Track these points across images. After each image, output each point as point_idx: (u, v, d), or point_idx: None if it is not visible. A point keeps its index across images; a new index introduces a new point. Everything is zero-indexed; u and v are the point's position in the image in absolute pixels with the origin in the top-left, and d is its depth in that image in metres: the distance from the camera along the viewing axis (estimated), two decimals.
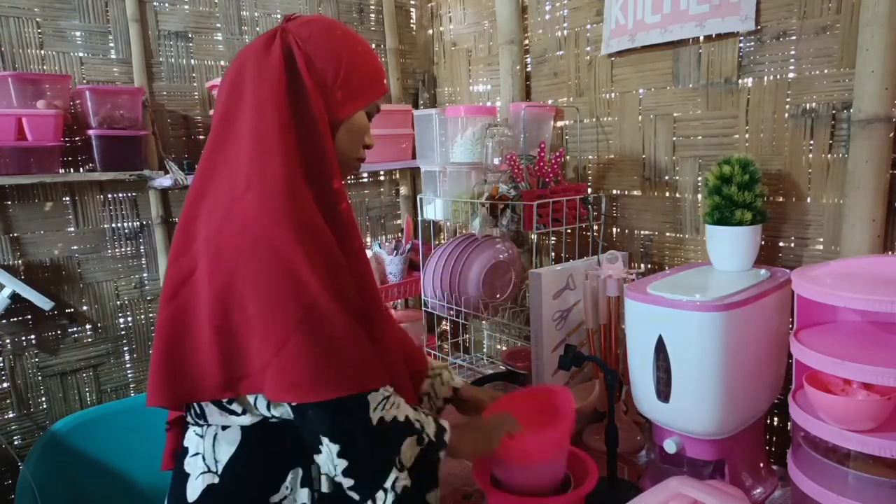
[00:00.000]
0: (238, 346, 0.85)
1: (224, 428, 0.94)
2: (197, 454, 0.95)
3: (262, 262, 0.84)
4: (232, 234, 0.85)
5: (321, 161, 0.92)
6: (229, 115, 0.92)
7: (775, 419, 1.41)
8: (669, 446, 1.18)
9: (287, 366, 0.83)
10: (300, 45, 0.93)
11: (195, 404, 0.93)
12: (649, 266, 1.64)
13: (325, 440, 0.85)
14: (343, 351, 0.85)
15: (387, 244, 2.02)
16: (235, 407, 0.91)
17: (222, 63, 1.92)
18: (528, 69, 1.92)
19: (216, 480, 0.93)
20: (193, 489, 0.94)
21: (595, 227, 1.66)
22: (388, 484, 0.85)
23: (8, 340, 1.65)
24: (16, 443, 1.69)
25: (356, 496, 0.87)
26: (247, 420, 0.92)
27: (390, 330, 1.08)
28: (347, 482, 0.86)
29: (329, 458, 0.86)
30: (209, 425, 0.95)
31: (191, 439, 0.97)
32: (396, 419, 0.89)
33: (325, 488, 0.94)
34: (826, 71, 1.26)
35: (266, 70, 0.91)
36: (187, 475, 0.95)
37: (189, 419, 0.97)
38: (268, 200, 0.86)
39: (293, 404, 0.86)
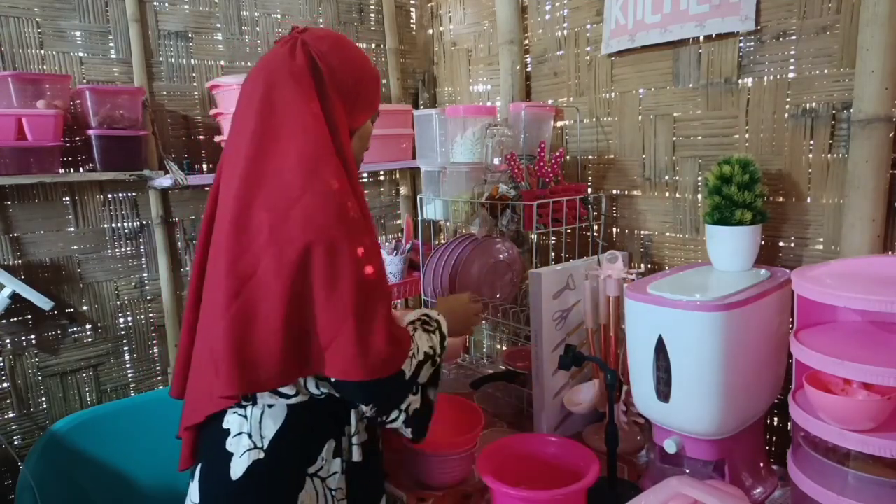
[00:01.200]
0: (305, 335, 0.94)
1: (270, 406, 1.01)
2: (241, 434, 1.01)
3: (328, 256, 0.92)
4: (297, 233, 0.92)
5: (349, 164, 1.01)
6: (267, 124, 0.99)
7: (775, 419, 1.41)
8: (669, 446, 1.18)
9: (342, 350, 0.93)
10: (322, 57, 1.02)
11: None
12: (649, 266, 1.64)
13: (361, 405, 1.01)
14: (386, 337, 0.95)
15: (387, 244, 2.02)
16: (287, 390, 0.99)
17: (222, 63, 1.92)
18: (528, 69, 1.92)
19: (262, 456, 1.00)
20: (238, 467, 1.00)
21: (595, 227, 1.66)
22: (402, 406, 1.02)
23: (8, 340, 1.65)
24: (16, 443, 1.69)
25: (377, 414, 1.02)
26: (295, 399, 1.01)
27: None
28: (371, 412, 1.01)
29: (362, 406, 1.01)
30: (254, 405, 1.01)
31: (231, 422, 1.03)
32: (420, 362, 1.03)
33: (355, 457, 1.07)
34: (826, 71, 1.26)
35: (300, 79, 1.00)
36: (230, 455, 1.01)
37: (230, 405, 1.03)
38: (328, 200, 0.94)
39: (335, 380, 0.97)
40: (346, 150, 1.01)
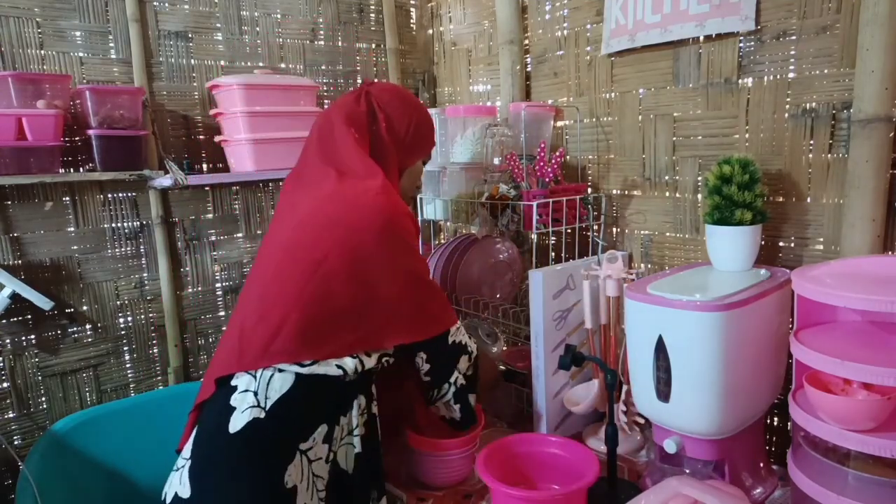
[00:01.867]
0: (368, 311, 1.12)
1: (280, 371, 1.07)
2: (247, 391, 1.07)
3: (391, 245, 1.14)
4: (364, 226, 1.13)
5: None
6: (327, 140, 1.25)
7: (775, 419, 1.41)
8: (669, 446, 1.18)
9: (407, 314, 1.16)
10: (382, 107, 1.27)
11: None
12: (649, 266, 1.64)
13: (420, 353, 1.22)
14: (438, 303, 1.23)
15: None
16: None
17: (222, 63, 1.92)
18: (528, 69, 1.92)
19: (262, 415, 1.05)
20: (237, 421, 1.04)
21: (595, 227, 1.66)
22: (451, 379, 1.25)
23: (8, 340, 1.65)
24: (16, 443, 1.69)
25: (431, 385, 1.25)
26: (305, 370, 1.07)
27: None
28: (427, 378, 1.24)
29: (421, 362, 1.23)
30: (265, 367, 1.07)
31: (241, 379, 1.08)
32: (461, 342, 1.26)
33: (357, 449, 1.14)
34: (826, 71, 1.26)
35: (357, 116, 1.25)
36: (232, 409, 1.06)
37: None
38: (388, 203, 1.16)
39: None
40: (394, 185, 1.26)
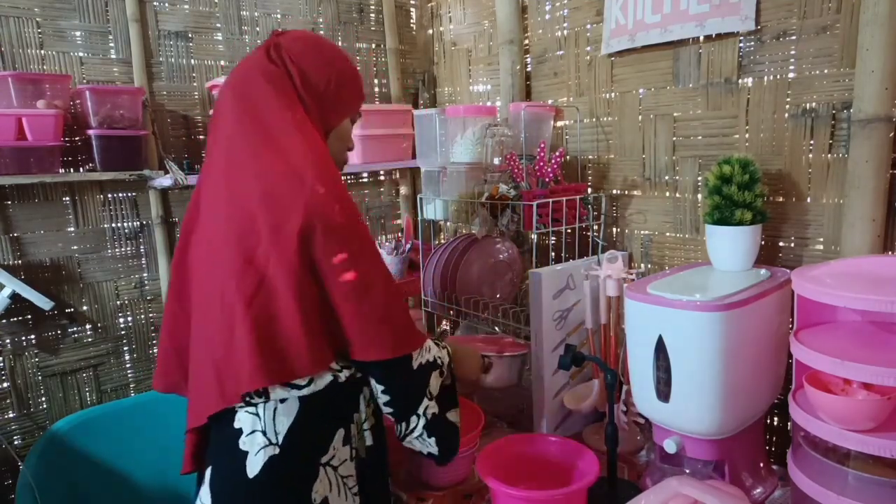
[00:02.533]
0: (328, 319, 0.98)
1: (283, 401, 1.01)
2: (254, 431, 1.01)
3: (333, 248, 0.96)
4: (294, 224, 0.95)
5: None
6: (254, 123, 1.02)
7: (775, 419, 1.41)
8: (669, 446, 1.18)
9: (356, 330, 0.98)
10: (294, 59, 1.05)
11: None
12: (649, 266, 1.64)
13: (374, 384, 1.05)
14: (396, 319, 1.02)
15: (387, 244, 2.02)
16: (300, 381, 1.00)
17: (222, 63, 1.92)
18: (528, 69, 1.92)
19: (277, 451, 1.00)
20: (254, 464, 0.99)
21: (595, 227, 1.66)
22: (420, 410, 1.06)
23: (8, 340, 1.65)
24: (16, 443, 1.69)
25: (396, 419, 1.07)
26: (307, 390, 1.01)
27: None
28: (388, 410, 1.07)
29: (377, 391, 1.06)
30: (267, 402, 1.01)
31: (243, 420, 1.02)
32: (428, 360, 1.07)
33: (368, 441, 1.10)
34: (826, 71, 1.26)
35: (276, 80, 1.03)
36: (245, 453, 1.00)
37: (240, 404, 1.02)
38: (334, 189, 0.98)
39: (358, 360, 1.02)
40: (324, 149, 1.05)
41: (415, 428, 1.07)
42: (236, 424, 1.02)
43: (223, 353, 0.99)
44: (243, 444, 1.01)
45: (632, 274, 1.43)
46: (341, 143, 1.17)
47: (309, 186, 0.96)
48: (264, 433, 1.00)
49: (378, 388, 1.05)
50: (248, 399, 1.01)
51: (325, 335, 0.98)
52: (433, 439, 1.08)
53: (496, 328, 1.67)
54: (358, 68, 1.15)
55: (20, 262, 1.66)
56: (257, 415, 1.01)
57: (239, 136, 1.02)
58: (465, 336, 1.59)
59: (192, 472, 1.11)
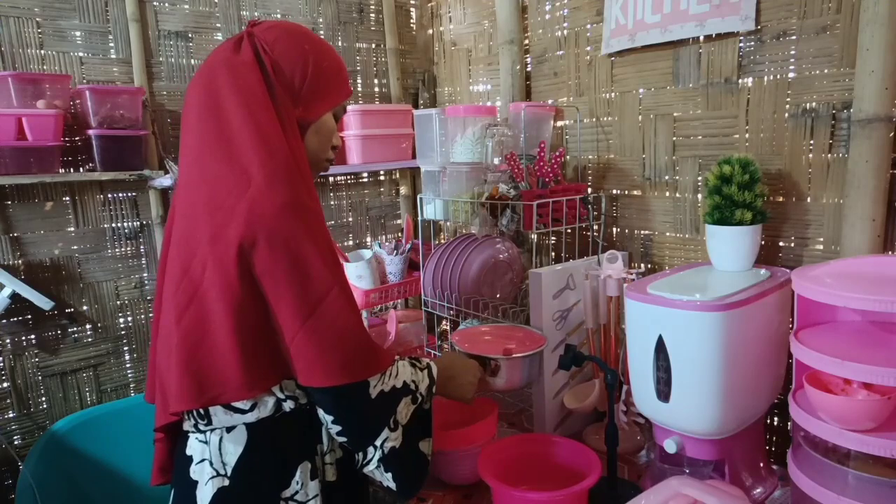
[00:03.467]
0: (267, 339, 0.89)
1: (229, 430, 0.95)
2: (203, 460, 0.96)
3: (276, 258, 0.87)
4: (234, 230, 0.87)
5: (299, 164, 0.94)
6: (211, 121, 0.93)
7: (775, 419, 1.41)
8: (669, 446, 1.18)
9: (300, 352, 0.88)
10: (266, 49, 0.96)
11: (196, 410, 0.94)
12: (649, 266, 1.64)
13: (322, 413, 0.95)
14: (348, 340, 0.91)
15: (387, 244, 2.02)
16: (242, 405, 0.93)
17: None
18: (528, 69, 1.92)
19: (226, 483, 0.94)
20: (204, 496, 0.95)
21: (595, 227, 1.66)
22: (377, 443, 0.95)
23: (8, 340, 1.65)
24: (16, 443, 1.69)
25: (351, 448, 0.98)
26: (252, 417, 0.94)
27: None
28: (340, 439, 0.97)
29: (326, 422, 0.96)
30: (212, 430, 0.95)
31: (194, 447, 0.98)
32: (395, 387, 0.98)
33: (330, 477, 1.00)
34: (826, 71, 1.26)
35: (243, 74, 0.94)
36: (195, 483, 0.96)
37: (188, 427, 0.98)
38: (286, 193, 0.88)
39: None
40: (297, 150, 0.95)
41: (370, 460, 0.96)
42: (188, 451, 0.98)
43: (164, 366, 0.94)
44: (193, 472, 0.96)
45: (632, 274, 1.43)
46: (322, 139, 1.06)
47: (254, 191, 0.87)
48: (211, 463, 0.95)
49: (327, 417, 0.94)
50: (194, 425, 0.96)
51: (265, 356, 0.89)
52: (390, 474, 0.97)
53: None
54: (341, 58, 1.06)
55: (20, 262, 1.66)
56: (206, 442, 0.96)
57: (197, 133, 0.94)
58: (469, 329, 1.52)
59: (160, 484, 1.08)
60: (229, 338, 0.87)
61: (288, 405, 0.96)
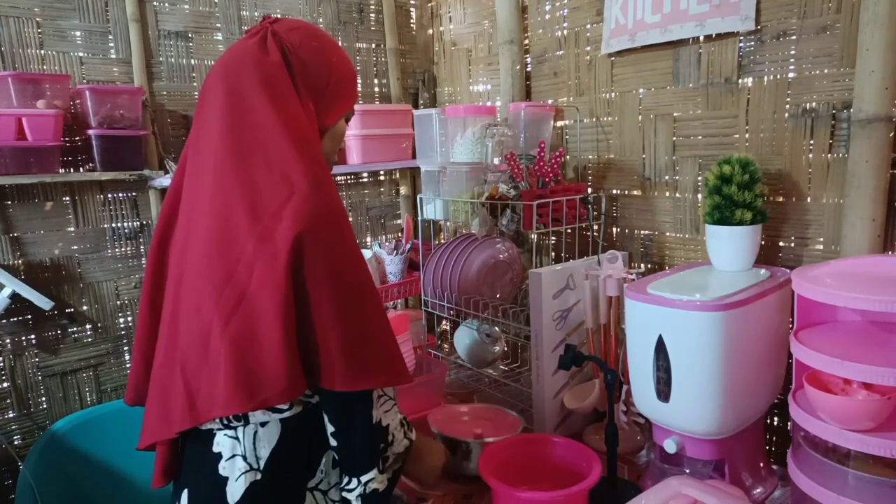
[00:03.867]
0: (307, 343, 0.89)
1: (263, 424, 0.96)
2: (234, 456, 0.95)
3: (323, 260, 0.87)
4: (286, 233, 0.86)
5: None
6: (241, 121, 0.93)
7: (775, 419, 1.41)
8: (669, 446, 1.18)
9: (329, 353, 0.88)
10: (292, 51, 0.95)
11: None
12: (649, 266, 1.64)
13: (327, 421, 0.95)
14: (379, 347, 0.92)
15: (387, 244, 2.02)
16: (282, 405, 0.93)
17: None
18: (528, 69, 1.92)
19: (259, 477, 0.95)
20: (235, 490, 0.94)
21: (595, 227, 1.66)
22: (363, 479, 0.95)
23: (8, 340, 1.65)
24: (16, 443, 1.69)
25: (341, 469, 0.98)
26: (289, 413, 0.95)
27: None
28: (338, 456, 0.97)
29: (329, 436, 0.95)
30: (246, 425, 0.95)
31: (223, 444, 0.97)
32: (386, 427, 0.96)
33: None
34: (826, 71, 1.26)
35: (275, 76, 0.93)
36: (225, 479, 0.95)
37: (213, 426, 0.97)
38: (326, 197, 0.90)
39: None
40: (317, 152, 0.96)
41: (351, 489, 0.96)
42: (215, 448, 0.97)
43: (195, 366, 0.91)
44: (223, 469, 0.95)
45: (632, 274, 1.43)
46: (334, 143, 1.09)
47: (300, 195, 0.87)
48: (245, 458, 0.95)
49: (330, 428, 0.95)
50: (225, 422, 0.95)
51: (301, 360, 0.89)
52: None
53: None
54: (353, 63, 1.08)
55: (20, 262, 1.66)
56: (237, 438, 0.96)
57: (226, 134, 0.92)
58: (448, 408, 1.48)
59: (163, 486, 1.07)
60: (279, 340, 0.86)
61: (315, 399, 0.98)
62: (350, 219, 0.98)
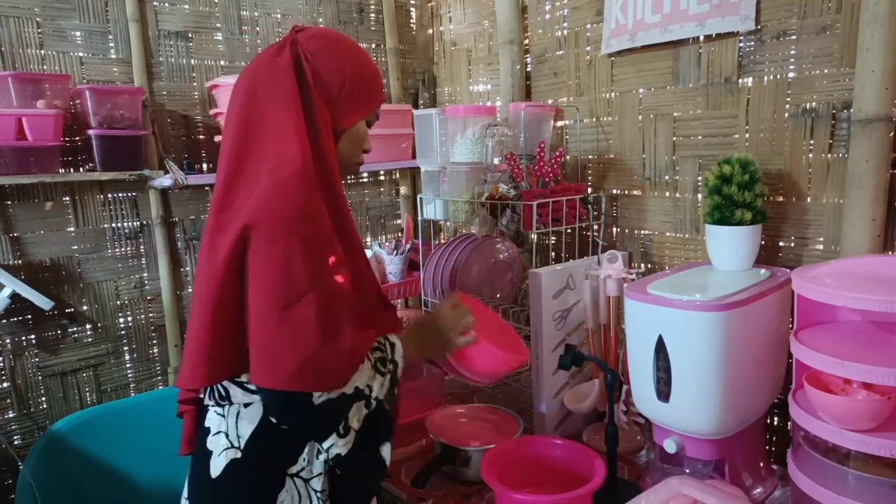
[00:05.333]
0: (239, 333, 0.93)
1: (246, 406, 1.01)
2: (219, 432, 1.02)
3: (267, 248, 0.90)
4: (239, 220, 0.91)
5: (330, 170, 0.99)
6: (247, 122, 0.99)
7: (775, 419, 1.41)
8: (669, 446, 1.18)
9: (258, 346, 0.90)
10: (308, 58, 1.00)
11: (219, 387, 1.00)
12: (649, 266, 1.64)
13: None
14: (305, 350, 0.89)
15: (387, 244, 2.02)
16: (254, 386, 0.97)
17: (222, 63, 1.92)
18: (528, 69, 1.92)
19: (238, 455, 1.00)
20: (217, 465, 1.01)
21: (595, 227, 1.66)
22: (324, 445, 0.96)
23: (8, 340, 1.65)
24: (16, 443, 1.69)
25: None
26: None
27: (387, 322, 1.14)
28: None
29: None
30: (231, 404, 1.01)
31: (212, 420, 1.04)
32: (344, 394, 0.95)
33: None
34: (826, 71, 1.26)
35: (279, 79, 0.98)
36: (210, 453, 1.02)
37: (210, 402, 1.04)
38: (280, 194, 0.91)
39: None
40: (328, 154, 0.98)
41: (306, 465, 1.00)
42: (206, 423, 1.05)
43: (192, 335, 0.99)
44: (209, 443, 1.03)
45: (632, 274, 1.43)
46: (353, 144, 1.10)
47: (261, 193, 0.91)
48: (227, 435, 1.01)
49: (272, 418, 0.98)
50: (216, 398, 1.02)
51: (236, 345, 0.93)
52: (341, 473, 1.01)
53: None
54: (377, 68, 1.10)
55: (20, 262, 1.66)
56: (223, 416, 1.02)
57: (235, 132, 0.98)
58: (446, 411, 1.47)
59: (189, 454, 1.12)
60: (205, 326, 0.92)
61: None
62: (326, 222, 0.96)
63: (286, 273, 0.89)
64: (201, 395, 1.05)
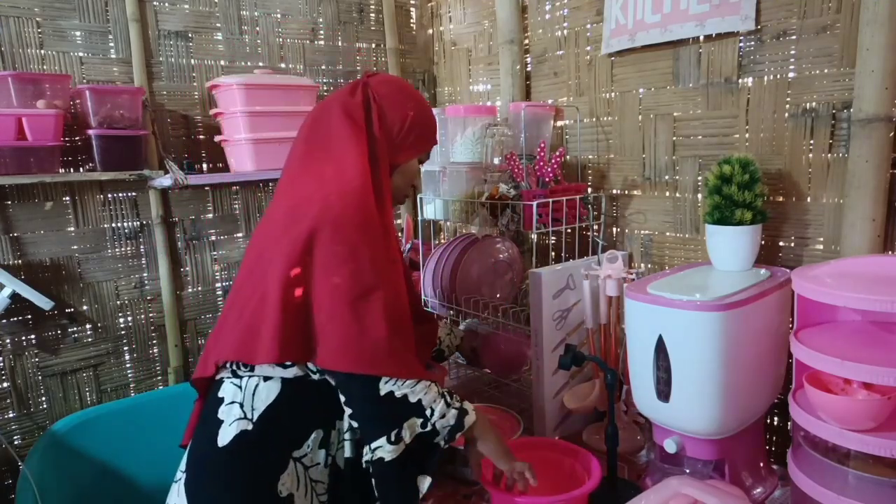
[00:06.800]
0: (306, 319, 1.02)
1: (266, 379, 1.06)
2: (234, 402, 1.07)
3: (337, 242, 1.02)
4: (309, 220, 1.03)
5: (384, 196, 1.14)
6: (317, 140, 1.15)
7: (775, 419, 1.41)
8: (669, 446, 1.18)
9: (327, 333, 1.00)
10: (377, 100, 1.18)
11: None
12: (649, 266, 1.64)
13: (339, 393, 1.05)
14: (373, 338, 1.00)
15: None
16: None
17: (222, 63, 1.92)
18: (528, 69, 1.92)
19: (249, 427, 1.04)
20: (226, 434, 1.04)
21: (595, 227, 1.66)
22: (372, 445, 1.01)
23: (8, 340, 1.65)
24: (16, 443, 1.69)
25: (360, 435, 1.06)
26: (290, 373, 1.05)
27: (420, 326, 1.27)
28: (353, 423, 1.07)
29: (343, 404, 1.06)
30: (251, 376, 1.07)
31: (227, 390, 1.09)
32: (407, 398, 1.01)
33: (347, 453, 1.10)
34: (826, 71, 1.26)
35: (351, 113, 1.15)
36: (220, 422, 1.06)
37: (225, 374, 1.10)
38: (342, 202, 1.05)
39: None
40: (384, 182, 1.15)
41: (364, 455, 1.03)
42: (220, 394, 1.09)
43: (249, 316, 1.07)
44: (221, 413, 1.07)
45: (632, 274, 1.43)
46: (405, 179, 1.28)
47: (326, 200, 1.04)
48: (241, 406, 1.05)
49: (342, 397, 1.05)
50: (233, 369, 1.07)
51: (303, 330, 1.02)
52: (374, 481, 1.02)
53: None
54: (434, 116, 1.29)
55: (20, 262, 1.66)
56: (240, 387, 1.07)
57: (300, 154, 1.16)
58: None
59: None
60: (276, 309, 1.01)
61: (316, 376, 1.07)
62: (384, 231, 1.12)
63: (355, 271, 1.01)
64: (215, 375, 1.11)
